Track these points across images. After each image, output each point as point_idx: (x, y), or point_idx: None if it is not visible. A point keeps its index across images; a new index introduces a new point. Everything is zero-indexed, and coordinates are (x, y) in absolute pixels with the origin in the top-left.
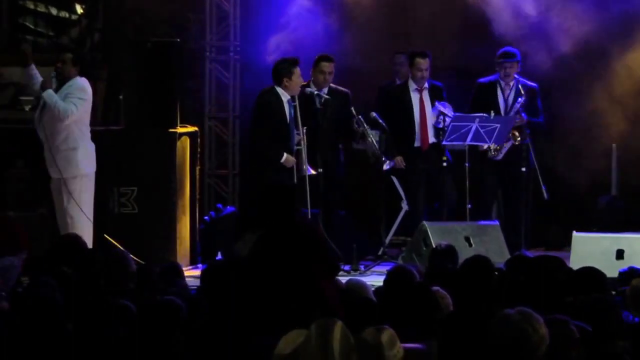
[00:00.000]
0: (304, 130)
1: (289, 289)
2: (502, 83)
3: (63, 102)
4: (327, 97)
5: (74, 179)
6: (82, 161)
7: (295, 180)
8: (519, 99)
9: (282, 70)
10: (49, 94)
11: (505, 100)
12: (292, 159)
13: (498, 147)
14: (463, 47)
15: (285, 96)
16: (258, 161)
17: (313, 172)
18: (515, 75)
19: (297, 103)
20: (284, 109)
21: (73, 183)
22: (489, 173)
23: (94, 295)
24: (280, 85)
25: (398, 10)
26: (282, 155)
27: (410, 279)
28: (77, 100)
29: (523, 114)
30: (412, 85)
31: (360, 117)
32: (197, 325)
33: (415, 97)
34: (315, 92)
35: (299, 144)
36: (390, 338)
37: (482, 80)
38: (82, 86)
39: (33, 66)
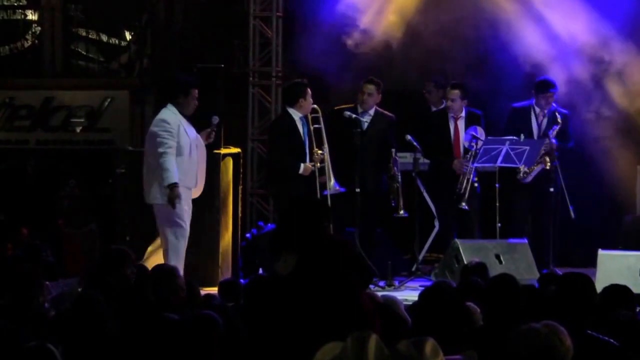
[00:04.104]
0: (326, 149)
1: (328, 303)
2: (537, 109)
3: None
4: (364, 120)
5: None
6: None
7: (319, 197)
8: (555, 126)
9: (298, 91)
10: None
11: (539, 126)
12: (309, 167)
13: (528, 170)
14: (494, 86)
15: (297, 115)
16: (279, 178)
17: (338, 188)
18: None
19: (320, 121)
20: (297, 128)
21: None
22: (520, 194)
23: (142, 308)
24: (294, 105)
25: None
26: (299, 166)
27: (446, 295)
28: None
29: (553, 139)
30: (450, 113)
31: (397, 158)
32: (235, 340)
33: (451, 125)
34: (354, 116)
35: (322, 161)
36: (433, 349)
37: (516, 105)
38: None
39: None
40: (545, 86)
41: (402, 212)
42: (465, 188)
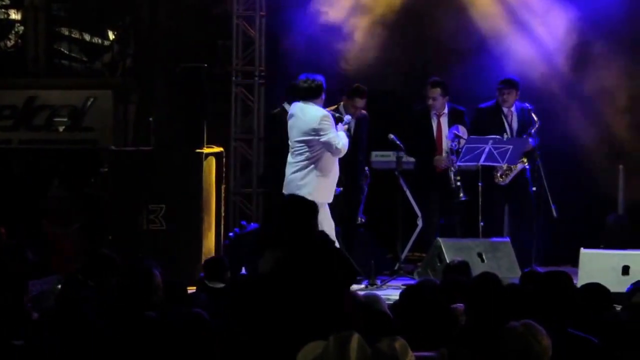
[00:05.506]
0: None
1: (310, 302)
2: (504, 108)
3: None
4: (351, 119)
5: None
6: None
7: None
8: (535, 124)
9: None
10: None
11: (510, 124)
12: None
13: (507, 172)
14: (478, 72)
15: None
16: (275, 175)
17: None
18: (516, 102)
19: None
20: None
21: None
22: (500, 193)
23: (121, 308)
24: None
25: (416, 37)
26: None
27: (427, 293)
28: None
29: (531, 140)
30: (432, 111)
31: (367, 172)
32: (222, 339)
33: (434, 122)
34: (345, 116)
35: None
36: (402, 347)
37: (482, 105)
38: None
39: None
40: (501, 83)
41: (360, 218)
42: (456, 181)
